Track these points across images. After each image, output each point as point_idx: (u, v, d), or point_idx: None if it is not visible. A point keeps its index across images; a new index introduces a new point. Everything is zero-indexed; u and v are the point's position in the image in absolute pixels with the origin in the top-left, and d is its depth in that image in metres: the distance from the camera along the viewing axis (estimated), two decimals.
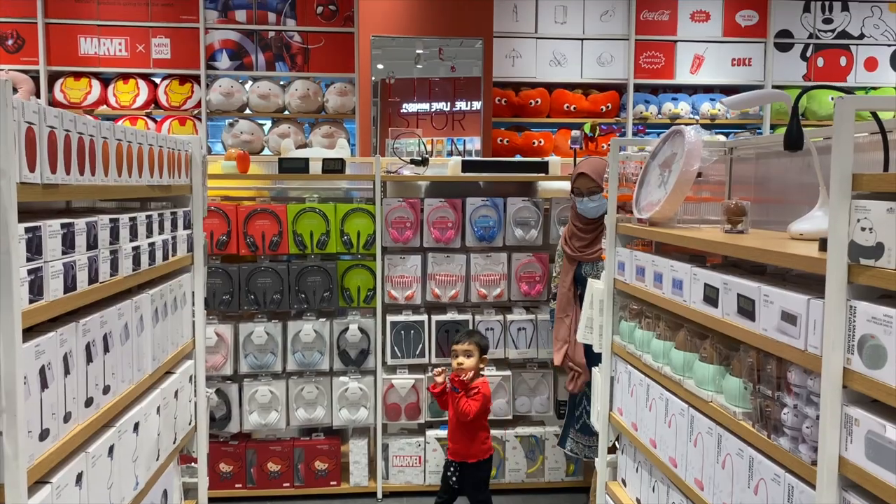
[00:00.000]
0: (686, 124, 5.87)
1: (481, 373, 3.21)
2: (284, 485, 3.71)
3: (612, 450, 2.44)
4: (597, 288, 2.46)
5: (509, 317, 3.79)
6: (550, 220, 3.81)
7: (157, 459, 1.89)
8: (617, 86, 5.99)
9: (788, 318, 1.38)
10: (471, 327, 3.75)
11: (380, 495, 3.74)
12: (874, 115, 1.36)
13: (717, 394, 1.70)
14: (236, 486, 3.67)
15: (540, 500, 3.73)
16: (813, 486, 1.30)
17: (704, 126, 5.98)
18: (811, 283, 1.41)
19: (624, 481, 2.34)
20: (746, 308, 1.54)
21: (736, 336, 1.58)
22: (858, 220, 1.19)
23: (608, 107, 5.91)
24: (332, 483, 3.74)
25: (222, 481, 3.62)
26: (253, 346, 3.62)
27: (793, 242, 1.61)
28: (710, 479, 1.70)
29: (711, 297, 1.69)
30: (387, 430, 3.82)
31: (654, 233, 2.09)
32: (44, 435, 1.28)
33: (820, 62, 6.05)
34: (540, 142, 5.88)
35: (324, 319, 3.70)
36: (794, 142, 1.49)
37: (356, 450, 3.75)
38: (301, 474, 3.71)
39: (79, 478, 1.41)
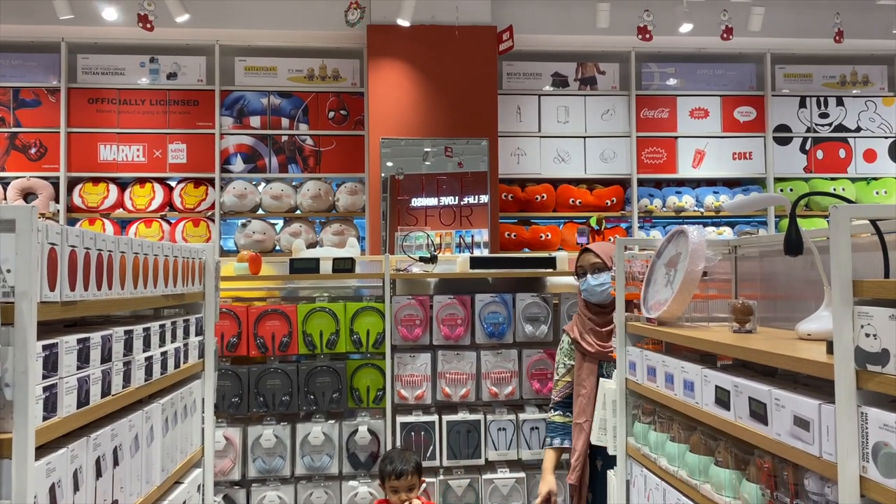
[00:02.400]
0: (691, 217, 5.98)
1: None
2: None
3: None
4: (609, 388, 2.44)
5: (521, 416, 3.74)
6: (560, 315, 3.81)
7: None
8: (621, 180, 6.12)
9: (801, 423, 1.37)
10: (481, 433, 3.68)
11: None
12: (873, 223, 1.39)
13: (735, 500, 1.66)
14: None
15: None
16: None
17: (709, 219, 6.07)
18: (822, 384, 1.40)
19: None
20: (758, 412, 1.52)
21: (750, 440, 1.56)
22: (862, 326, 1.20)
23: (613, 201, 6.02)
24: None
25: None
26: (261, 450, 3.57)
27: (801, 343, 1.61)
28: None
29: (723, 399, 1.68)
30: None
31: (664, 333, 2.10)
32: None
33: (819, 154, 6.19)
34: (547, 235, 5.96)
35: (333, 421, 3.65)
36: (793, 247, 1.52)
37: None
38: None
39: None
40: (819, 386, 1.43)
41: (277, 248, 5.75)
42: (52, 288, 1.25)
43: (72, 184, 5.71)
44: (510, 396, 3.75)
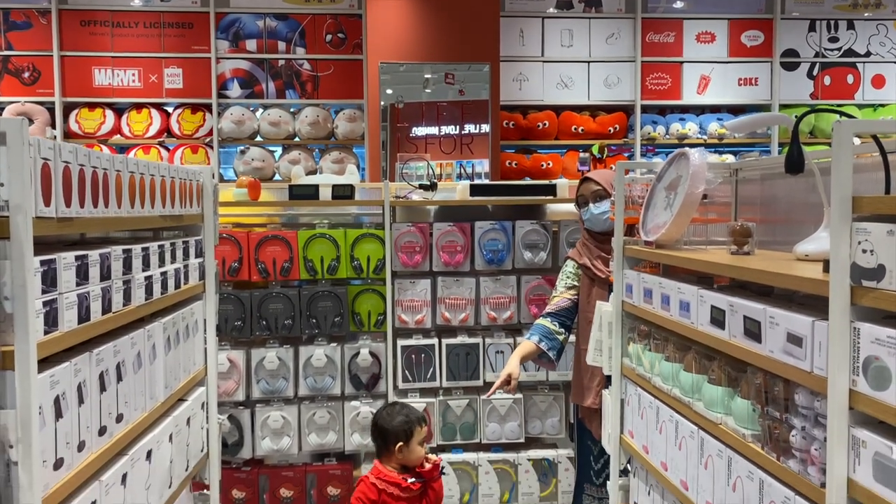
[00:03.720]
0: (694, 145, 5.93)
1: None
2: None
3: (623, 472, 2.43)
4: (605, 310, 2.46)
5: (519, 339, 3.78)
6: (560, 242, 3.82)
7: (170, 487, 1.91)
8: (624, 107, 6.03)
9: (794, 339, 1.39)
10: (479, 356, 3.75)
11: None
12: (875, 138, 1.37)
13: (727, 416, 1.69)
14: None
15: None
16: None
17: (712, 146, 6.01)
18: (818, 304, 1.41)
19: None
20: (753, 330, 1.54)
21: (743, 358, 1.58)
22: (860, 243, 1.20)
23: (616, 128, 5.94)
24: None
25: None
26: (265, 372, 3.64)
27: (798, 263, 1.62)
28: (721, 503, 1.70)
29: (718, 318, 1.70)
30: None
31: (661, 255, 2.10)
32: (58, 464, 1.30)
33: (826, 80, 6.07)
34: (548, 164, 5.91)
35: (335, 344, 3.71)
36: (794, 165, 1.50)
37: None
38: (314, 500, 3.71)
39: None
40: (813, 305, 1.45)
41: (277, 176, 5.72)
42: (46, 203, 1.24)
43: (67, 109, 5.63)
44: (508, 321, 3.80)
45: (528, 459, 3.76)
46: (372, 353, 3.70)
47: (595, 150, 5.84)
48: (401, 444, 2.44)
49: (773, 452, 1.48)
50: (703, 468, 1.78)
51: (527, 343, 3.04)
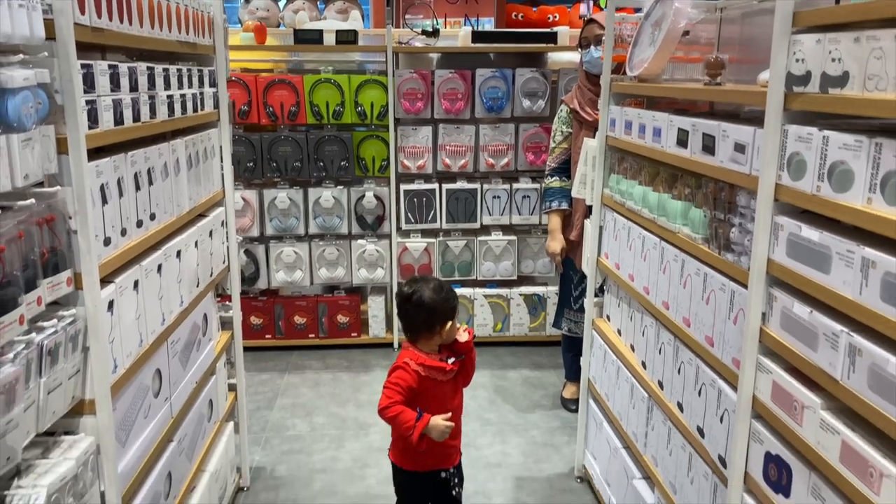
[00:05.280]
0: None
1: None
2: (310, 336, 4.08)
3: (598, 292, 2.71)
4: (590, 145, 2.65)
5: (515, 185, 4.01)
6: (558, 90, 3.94)
7: (198, 286, 2.19)
8: None
9: (739, 148, 1.59)
10: (477, 200, 3.97)
11: (396, 345, 4.11)
12: None
13: (684, 226, 1.92)
14: (266, 336, 4.05)
15: (541, 352, 4.08)
16: (743, 285, 1.54)
17: None
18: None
19: (608, 317, 2.62)
20: (709, 145, 1.73)
21: (700, 171, 1.79)
22: (794, 53, 1.36)
23: None
24: (352, 334, 4.10)
25: (253, 332, 4.00)
26: (277, 211, 3.89)
27: (754, 87, 1.78)
28: (674, 300, 1.96)
29: (683, 139, 1.89)
30: None
31: (641, 87, 2.26)
32: (107, 242, 1.55)
33: None
34: (555, 16, 5.84)
35: (341, 187, 3.94)
36: None
37: (374, 305, 4.09)
38: (325, 326, 4.08)
39: (136, 284, 1.70)
40: (761, 120, 1.63)
41: (282, 25, 5.71)
42: (82, 12, 1.41)
43: None
44: (506, 168, 4.00)
45: (520, 295, 4.09)
46: (376, 196, 3.94)
47: (602, 2, 5.77)
48: (450, 322, 2.08)
49: (716, 250, 1.72)
50: (662, 273, 2.04)
51: (554, 215, 3.24)
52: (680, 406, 1.93)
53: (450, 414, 2.03)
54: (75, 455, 1.38)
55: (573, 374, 3.38)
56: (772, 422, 1.47)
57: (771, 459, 1.48)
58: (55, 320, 1.34)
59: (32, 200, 1.26)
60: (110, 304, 1.54)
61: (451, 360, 2.09)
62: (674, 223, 1.96)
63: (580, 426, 2.82)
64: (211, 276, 2.34)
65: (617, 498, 2.44)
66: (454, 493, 2.18)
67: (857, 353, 1.20)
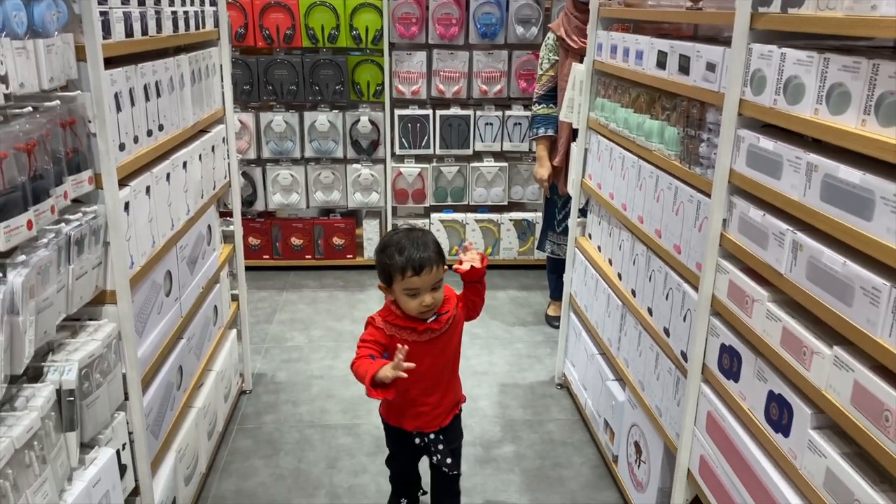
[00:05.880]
0: None
1: None
2: (306, 257, 4.24)
3: (581, 214, 2.85)
4: (578, 70, 2.74)
5: (508, 112, 4.10)
6: (551, 18, 3.98)
7: (202, 198, 2.32)
8: None
9: (710, 67, 1.70)
10: (470, 127, 4.06)
11: None
12: None
13: (660, 144, 2.05)
14: (264, 256, 4.20)
15: (529, 275, 4.26)
16: (708, 195, 1.68)
17: None
18: None
19: (590, 235, 2.78)
20: (684, 65, 1.85)
21: (676, 91, 1.90)
22: None
23: None
24: (348, 256, 4.26)
25: (252, 252, 4.15)
26: (273, 134, 3.99)
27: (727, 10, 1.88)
28: (648, 214, 2.11)
29: (662, 61, 1.99)
30: (396, 212, 4.28)
31: (626, 11, 2.35)
32: (122, 147, 1.67)
33: None
34: None
35: (337, 111, 4.03)
36: None
37: (369, 229, 4.23)
38: (321, 248, 4.23)
39: (147, 190, 1.82)
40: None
41: None
42: None
43: None
44: (499, 94, 4.08)
45: (510, 220, 4.23)
46: (371, 121, 4.03)
47: None
48: (400, 286, 1.80)
49: (686, 165, 1.86)
50: (639, 190, 2.18)
51: (545, 139, 3.32)
52: (650, 311, 2.10)
53: (412, 365, 1.70)
54: (101, 337, 1.54)
55: (557, 293, 3.56)
56: (727, 317, 1.63)
57: (725, 350, 1.65)
58: (80, 215, 1.48)
59: (57, 102, 1.38)
60: (126, 206, 1.67)
61: (431, 318, 1.85)
62: (650, 142, 2.09)
63: (561, 337, 3.01)
64: (214, 189, 2.47)
65: (592, 399, 2.64)
66: (434, 460, 1.98)
67: (798, 248, 1.35)
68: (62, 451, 1.40)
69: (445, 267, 1.88)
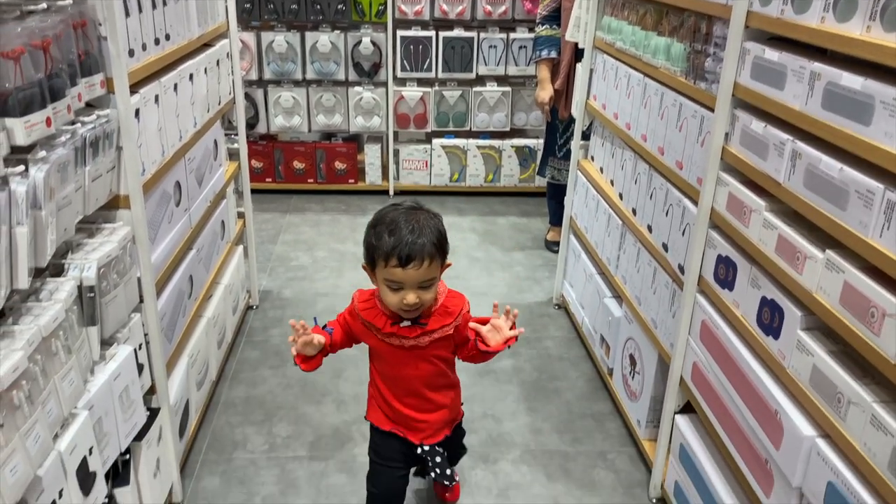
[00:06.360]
0: None
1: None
2: (308, 180, 4.26)
3: (584, 137, 2.86)
4: None
5: (512, 35, 4.05)
6: None
7: (208, 112, 2.33)
8: None
9: None
10: (473, 50, 4.02)
11: (391, 192, 4.30)
12: None
13: (666, 61, 2.05)
14: (267, 179, 4.22)
15: (529, 202, 4.29)
16: (712, 110, 1.71)
17: None
18: None
19: (592, 157, 2.80)
20: None
21: (683, 5, 1.89)
22: None
23: None
24: (350, 181, 4.28)
25: (255, 175, 4.17)
26: (275, 55, 3.95)
27: None
28: (651, 132, 2.13)
29: None
30: (398, 137, 4.27)
31: None
32: (131, 53, 1.67)
33: None
34: None
35: (338, 32, 3.98)
36: None
37: (371, 153, 4.24)
38: (323, 172, 4.25)
39: (157, 99, 1.84)
40: None
41: None
42: None
43: None
44: (503, 16, 4.02)
45: (512, 146, 4.24)
46: (373, 42, 3.98)
47: None
48: (384, 272, 1.50)
49: (692, 80, 1.87)
50: (643, 108, 2.19)
51: (547, 61, 3.28)
52: (649, 228, 2.15)
53: (320, 338, 1.58)
54: (116, 239, 1.58)
55: (556, 219, 3.60)
56: (725, 228, 1.68)
57: (721, 261, 1.70)
58: (94, 117, 1.50)
59: (70, 1, 1.38)
60: (137, 113, 1.69)
61: (405, 324, 1.55)
62: (657, 59, 2.09)
63: (560, 260, 3.07)
64: (219, 104, 2.48)
65: (589, 317, 2.72)
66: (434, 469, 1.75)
67: (797, 157, 1.38)
68: (85, 344, 1.46)
69: (447, 264, 1.54)
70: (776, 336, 1.46)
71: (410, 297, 1.51)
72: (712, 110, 1.73)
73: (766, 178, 1.49)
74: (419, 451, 1.73)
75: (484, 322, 1.60)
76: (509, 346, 1.61)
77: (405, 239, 1.47)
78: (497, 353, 1.62)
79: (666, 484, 2.03)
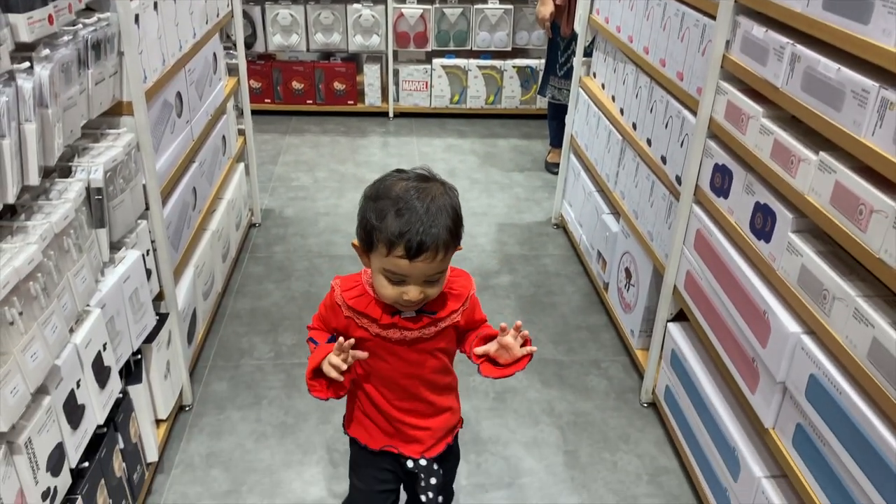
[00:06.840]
0: None
1: None
2: (308, 101, 4.23)
3: (585, 55, 2.84)
4: None
5: None
6: None
7: (207, 23, 2.31)
8: None
9: None
10: None
11: (391, 114, 4.28)
12: None
13: None
14: (266, 100, 4.20)
15: (530, 124, 4.28)
16: (714, 18, 1.70)
17: None
18: None
19: (594, 74, 2.79)
20: None
21: None
22: None
23: None
24: (349, 102, 4.25)
25: (255, 95, 4.14)
26: None
27: None
28: (654, 44, 2.12)
29: None
30: (397, 57, 4.22)
31: None
32: None
33: None
34: None
35: None
36: None
37: (370, 74, 4.20)
38: (322, 93, 4.22)
39: (156, 6, 1.83)
40: None
41: None
42: None
43: None
44: None
45: (514, 67, 4.19)
46: None
47: None
48: (379, 254, 1.19)
49: None
50: (646, 20, 2.17)
51: None
52: (649, 141, 2.17)
53: (364, 354, 1.25)
54: (121, 144, 1.60)
55: (557, 140, 3.60)
56: (722, 137, 1.70)
57: (717, 170, 1.73)
58: (95, 19, 1.50)
59: None
60: (136, 19, 1.68)
61: (406, 313, 1.26)
62: None
63: (560, 179, 3.09)
64: (217, 16, 2.45)
65: (587, 234, 2.77)
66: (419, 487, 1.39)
67: (796, 60, 1.39)
68: (94, 245, 1.50)
69: (459, 247, 1.22)
70: (767, 240, 1.50)
71: (413, 293, 1.19)
72: (714, 18, 1.72)
73: (765, 84, 1.50)
74: (411, 464, 1.38)
75: (489, 337, 1.34)
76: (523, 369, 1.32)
77: (416, 225, 1.14)
78: (514, 374, 1.31)
79: (657, 389, 2.12)
